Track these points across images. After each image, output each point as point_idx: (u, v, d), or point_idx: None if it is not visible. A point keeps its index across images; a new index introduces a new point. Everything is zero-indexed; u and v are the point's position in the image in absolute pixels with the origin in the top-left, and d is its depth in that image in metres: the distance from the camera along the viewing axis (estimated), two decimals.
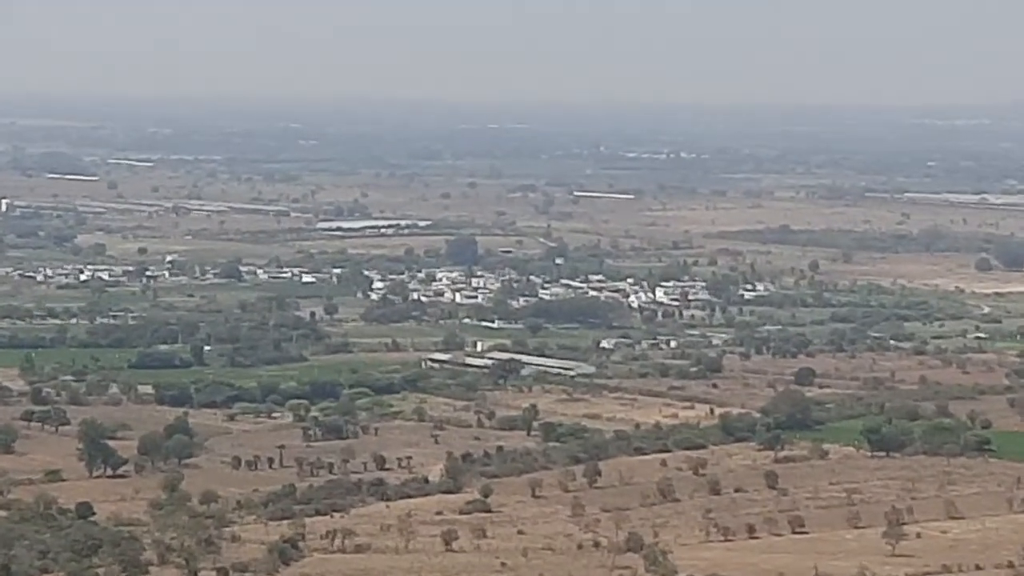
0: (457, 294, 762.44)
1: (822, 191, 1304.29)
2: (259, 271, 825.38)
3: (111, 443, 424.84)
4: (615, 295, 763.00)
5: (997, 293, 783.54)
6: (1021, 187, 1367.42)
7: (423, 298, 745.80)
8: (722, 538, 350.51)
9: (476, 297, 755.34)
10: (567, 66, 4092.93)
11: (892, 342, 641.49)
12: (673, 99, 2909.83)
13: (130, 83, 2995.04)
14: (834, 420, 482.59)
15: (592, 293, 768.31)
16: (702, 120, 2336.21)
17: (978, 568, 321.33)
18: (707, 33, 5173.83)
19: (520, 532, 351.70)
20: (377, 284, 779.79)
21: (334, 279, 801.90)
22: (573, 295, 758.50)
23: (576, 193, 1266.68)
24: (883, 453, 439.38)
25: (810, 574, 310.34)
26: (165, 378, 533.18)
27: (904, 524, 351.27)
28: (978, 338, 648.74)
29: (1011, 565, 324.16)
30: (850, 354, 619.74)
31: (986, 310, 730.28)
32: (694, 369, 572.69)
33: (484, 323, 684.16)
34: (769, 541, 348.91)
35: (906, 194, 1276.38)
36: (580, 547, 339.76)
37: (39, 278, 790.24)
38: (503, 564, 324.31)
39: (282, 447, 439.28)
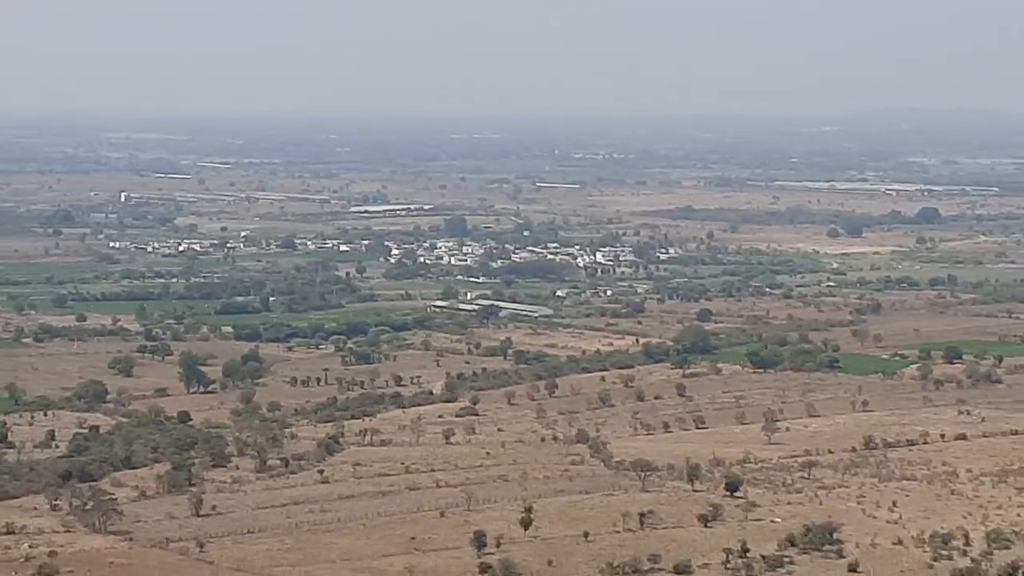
0: (452, 258, 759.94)
1: (716, 180, 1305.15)
2: (308, 243, 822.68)
3: (203, 368, 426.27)
4: (566, 258, 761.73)
5: (843, 253, 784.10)
6: (859, 176, 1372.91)
7: (427, 261, 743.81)
8: (645, 432, 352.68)
9: (466, 260, 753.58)
10: (530, 89, 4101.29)
11: (767, 290, 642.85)
12: (609, 112, 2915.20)
13: (211, 103, 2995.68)
14: (725, 346, 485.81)
15: (550, 256, 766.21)
16: (630, 128, 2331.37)
17: (830, 452, 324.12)
18: (634, 59, 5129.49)
19: (499, 429, 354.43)
20: (394, 252, 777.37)
21: (363, 248, 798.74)
22: (536, 258, 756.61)
23: (538, 184, 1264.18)
24: (761, 369, 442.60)
25: (709, 456, 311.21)
26: (241, 321, 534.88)
27: (777, 421, 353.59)
28: (829, 286, 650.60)
29: (854, 449, 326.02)
30: (737, 299, 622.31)
31: (835, 266, 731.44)
32: (624, 310, 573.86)
33: (471, 279, 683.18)
34: (679, 434, 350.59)
35: (776, 182, 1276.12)
36: (543, 440, 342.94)
37: (148, 249, 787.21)
38: (487, 453, 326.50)
39: (326, 370, 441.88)
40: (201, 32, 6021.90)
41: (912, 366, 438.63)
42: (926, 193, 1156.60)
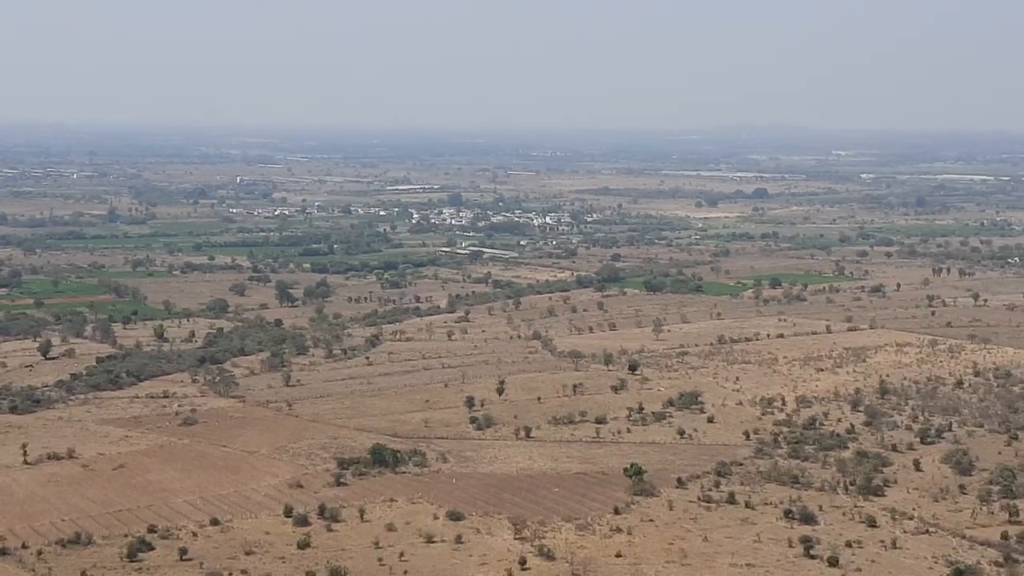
0: (452, 220, 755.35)
1: (623, 170, 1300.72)
2: (359, 209, 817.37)
3: (290, 291, 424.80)
4: (527, 219, 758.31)
5: (705, 217, 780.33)
6: (715, 168, 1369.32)
7: (436, 222, 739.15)
8: (577, 333, 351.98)
9: (461, 221, 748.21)
10: (504, 109, 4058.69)
11: (656, 241, 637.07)
12: (555, 126, 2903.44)
13: (290, 117, 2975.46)
14: (629, 277, 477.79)
15: (515, 219, 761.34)
16: (568, 136, 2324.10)
17: (696, 345, 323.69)
18: (574, 87, 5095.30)
19: (483, 331, 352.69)
20: (414, 216, 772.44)
21: (394, 213, 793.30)
22: (507, 220, 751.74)
23: (508, 172, 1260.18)
24: (652, 292, 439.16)
25: (618, 348, 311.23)
26: (315, 260, 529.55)
27: (662, 325, 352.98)
28: (696, 238, 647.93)
29: (711, 344, 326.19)
30: (636, 247, 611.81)
31: (700, 225, 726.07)
32: (563, 254, 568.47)
33: (465, 233, 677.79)
34: (599, 334, 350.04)
35: (662, 171, 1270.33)
36: (511, 338, 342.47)
37: (255, 214, 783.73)
38: (475, 346, 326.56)
39: (371, 292, 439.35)
40: (275, 61, 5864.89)
41: (748, 290, 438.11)
42: (759, 179, 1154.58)
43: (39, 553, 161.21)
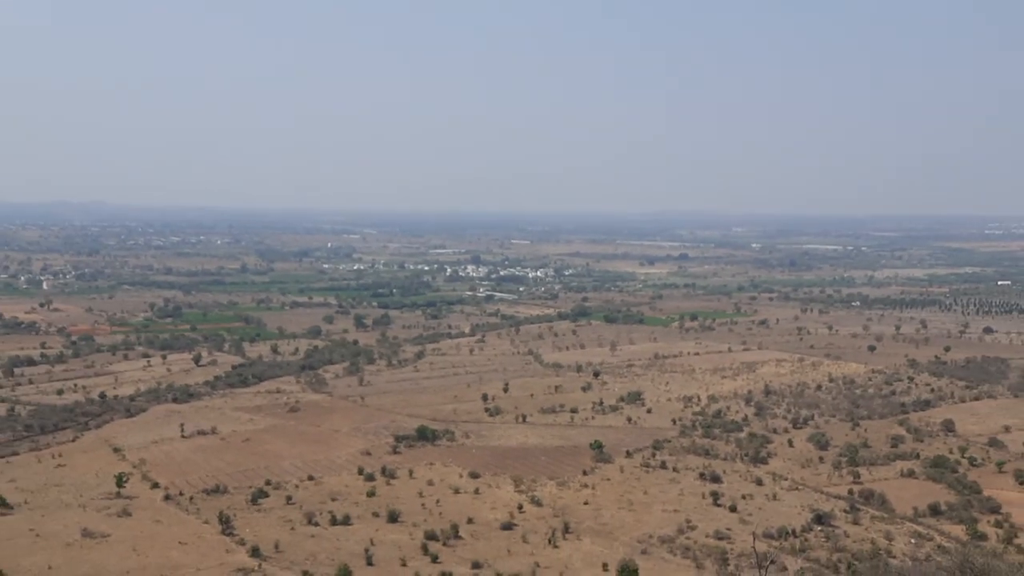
0: (473, 273, 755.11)
1: (588, 240, 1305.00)
2: (410, 265, 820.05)
3: (363, 321, 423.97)
4: (524, 273, 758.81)
5: (646, 272, 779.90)
6: (653, 239, 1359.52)
7: (462, 274, 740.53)
8: (558, 350, 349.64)
9: (479, 273, 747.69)
10: (509, 191, 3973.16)
11: (612, 287, 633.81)
12: (540, 209, 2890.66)
13: (364, 202, 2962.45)
14: (594, 312, 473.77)
15: (517, 272, 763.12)
16: (552, 217, 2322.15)
17: (639, 360, 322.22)
18: (550, 182, 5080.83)
19: (494, 349, 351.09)
20: (448, 270, 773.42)
21: (434, 268, 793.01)
22: (510, 273, 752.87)
23: (511, 240, 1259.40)
24: (610, 323, 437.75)
25: (587, 361, 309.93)
26: (381, 300, 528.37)
27: (616, 346, 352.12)
28: (639, 287, 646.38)
29: (649, 359, 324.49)
30: (599, 292, 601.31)
31: (642, 278, 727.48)
32: (549, 296, 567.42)
33: (482, 282, 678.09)
34: (574, 351, 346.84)
35: (616, 240, 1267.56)
36: (513, 354, 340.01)
37: (340, 268, 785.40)
38: (488, 359, 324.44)
39: (418, 321, 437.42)
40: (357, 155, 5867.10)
41: (675, 322, 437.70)
42: (682, 246, 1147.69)
43: (191, 498, 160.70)
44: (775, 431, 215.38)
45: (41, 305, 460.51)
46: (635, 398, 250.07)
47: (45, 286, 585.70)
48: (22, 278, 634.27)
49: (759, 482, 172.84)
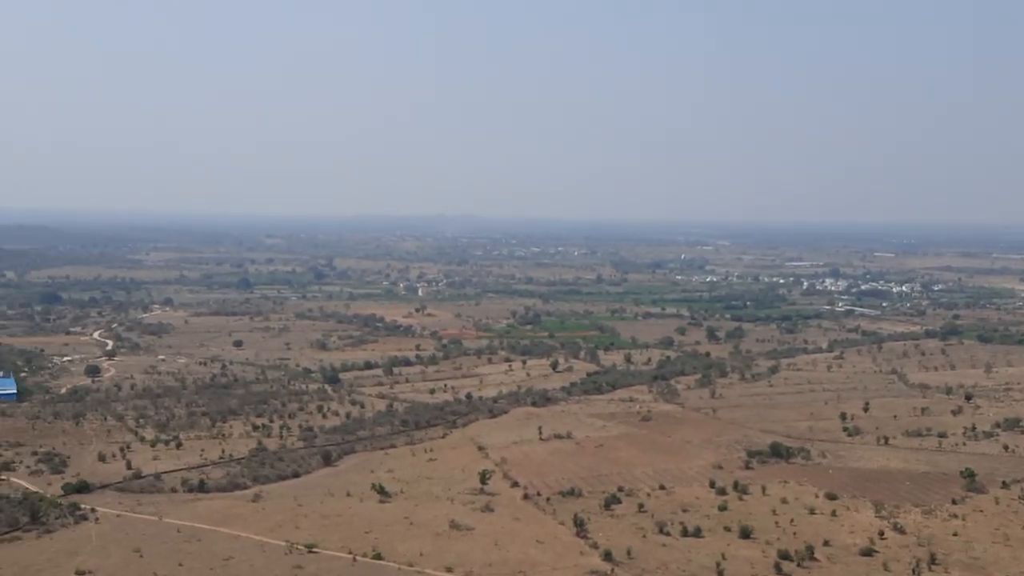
0: (831, 287, 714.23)
1: (961, 253, 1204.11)
2: (764, 278, 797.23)
3: (716, 333, 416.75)
4: (888, 287, 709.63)
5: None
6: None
7: (819, 288, 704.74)
8: (925, 371, 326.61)
9: (838, 287, 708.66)
10: (879, 200, 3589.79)
11: (988, 305, 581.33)
12: (902, 218, 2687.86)
13: (716, 213, 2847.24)
14: (966, 332, 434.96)
15: (879, 287, 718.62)
16: (917, 228, 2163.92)
17: (1019, 383, 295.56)
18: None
19: (853, 367, 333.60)
20: (804, 283, 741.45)
21: (790, 281, 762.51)
22: (872, 288, 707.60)
23: (875, 253, 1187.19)
24: (984, 343, 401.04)
25: (956, 382, 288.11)
26: (734, 312, 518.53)
27: (992, 368, 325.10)
28: (1020, 304, 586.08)
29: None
30: (972, 309, 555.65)
31: (1022, 295, 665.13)
32: (915, 313, 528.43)
33: (841, 296, 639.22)
34: (942, 372, 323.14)
35: (992, 255, 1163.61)
36: (874, 372, 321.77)
37: (692, 279, 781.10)
38: (847, 377, 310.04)
39: (772, 336, 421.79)
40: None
41: None
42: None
43: (547, 499, 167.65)
44: None
45: (417, 310, 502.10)
46: (1013, 424, 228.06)
47: (420, 292, 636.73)
48: (401, 285, 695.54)
49: None
